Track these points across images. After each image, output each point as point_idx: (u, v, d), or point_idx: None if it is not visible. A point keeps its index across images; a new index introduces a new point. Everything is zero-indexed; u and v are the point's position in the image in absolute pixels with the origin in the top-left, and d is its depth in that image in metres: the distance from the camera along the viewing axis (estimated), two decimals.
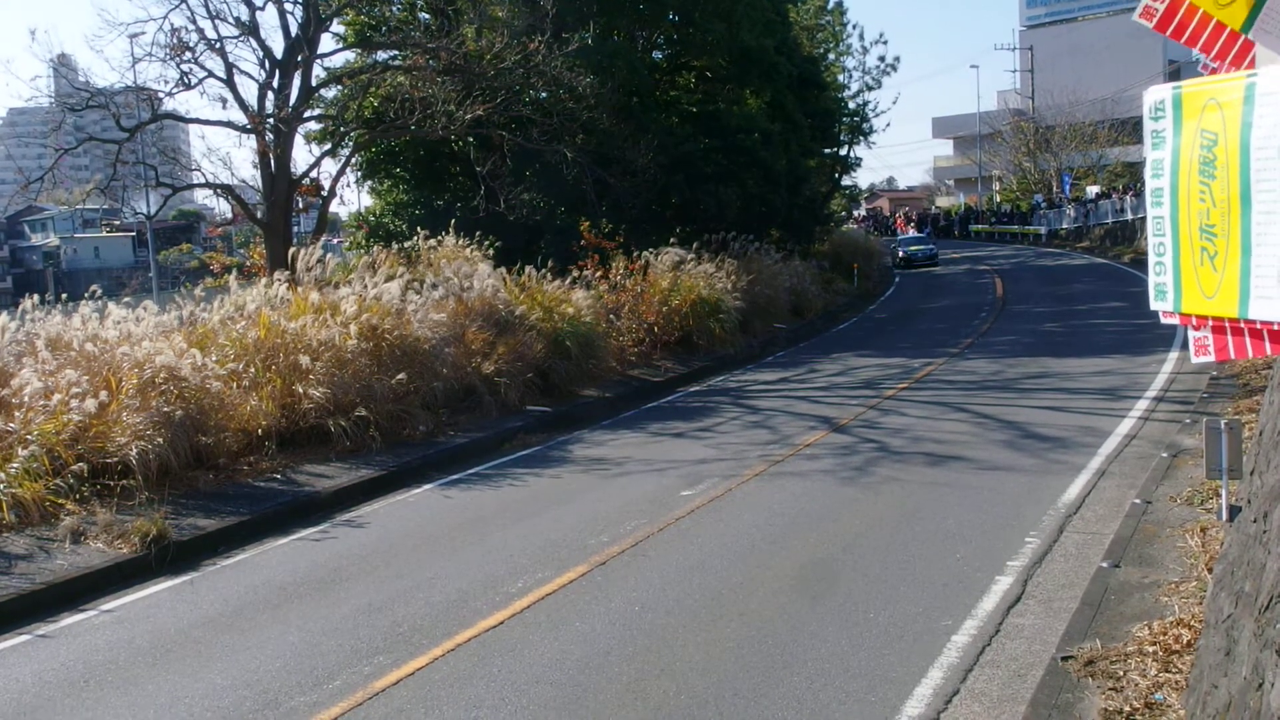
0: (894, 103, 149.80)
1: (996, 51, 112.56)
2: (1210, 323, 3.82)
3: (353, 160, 27.21)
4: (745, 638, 7.62)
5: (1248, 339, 3.77)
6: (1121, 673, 6.40)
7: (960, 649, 7.18)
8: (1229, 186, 3.34)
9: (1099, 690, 6.24)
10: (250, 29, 21.87)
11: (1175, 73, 59.74)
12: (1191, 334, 4.08)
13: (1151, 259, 3.92)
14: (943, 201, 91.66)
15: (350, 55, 28.14)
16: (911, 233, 71.51)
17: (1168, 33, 3.80)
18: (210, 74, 21.64)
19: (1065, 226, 55.51)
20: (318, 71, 23.68)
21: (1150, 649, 6.63)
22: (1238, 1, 3.50)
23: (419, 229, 23.41)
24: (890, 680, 6.78)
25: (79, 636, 8.65)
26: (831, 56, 48.01)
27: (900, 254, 48.77)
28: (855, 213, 78.42)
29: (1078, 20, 77.27)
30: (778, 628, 7.76)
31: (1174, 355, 19.09)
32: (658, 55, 33.11)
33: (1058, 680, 6.44)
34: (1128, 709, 5.93)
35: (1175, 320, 4.02)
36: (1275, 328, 3.50)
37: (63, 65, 28.75)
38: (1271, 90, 3.11)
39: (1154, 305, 3.99)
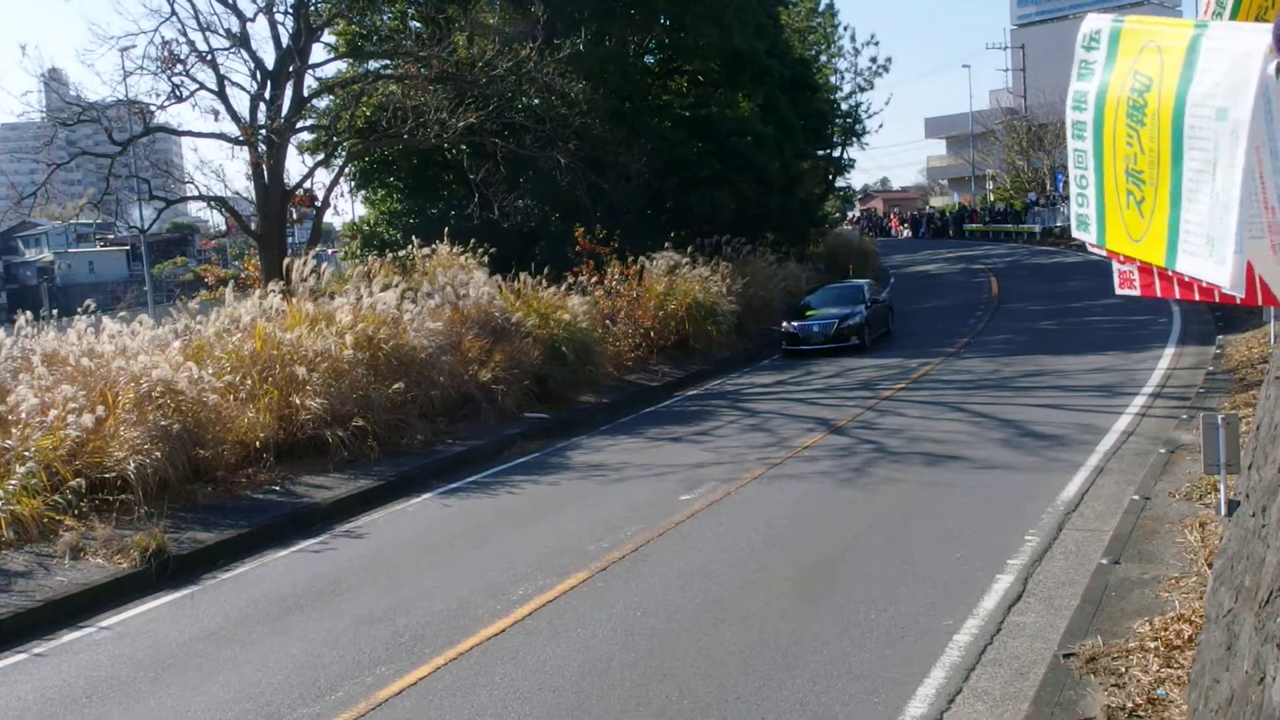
0: (886, 103, 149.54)
1: (988, 51, 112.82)
2: (1137, 262, 3.72)
3: (346, 170, 27.24)
4: (747, 641, 7.62)
5: (1176, 285, 3.69)
6: (1123, 669, 6.40)
7: (962, 648, 7.18)
8: (1159, 138, 3.23)
9: (1101, 687, 6.24)
10: (241, 40, 21.88)
11: None
12: (1117, 266, 3.95)
13: (1073, 189, 3.80)
14: (937, 201, 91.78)
15: (342, 65, 28.17)
16: (906, 234, 71.29)
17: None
18: (202, 86, 21.65)
19: (1059, 224, 55.51)
20: (309, 82, 23.72)
21: (1151, 645, 6.64)
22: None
23: (413, 237, 23.42)
24: (893, 681, 6.77)
25: (80, 652, 8.64)
26: (823, 58, 48.00)
27: (791, 327, 24.49)
28: (849, 214, 78.47)
29: (1069, 18, 77.39)
30: (779, 631, 7.76)
31: (1170, 351, 19.12)
32: (649, 60, 33.12)
33: (1060, 678, 6.44)
34: (1130, 705, 5.93)
35: (1101, 252, 3.94)
36: (1205, 284, 3.43)
37: (54, 80, 28.71)
38: (1219, 47, 2.98)
39: (1075, 234, 3.87)
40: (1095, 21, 3.57)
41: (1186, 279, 3.46)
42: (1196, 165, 3.09)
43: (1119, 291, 3.93)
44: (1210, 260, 3.10)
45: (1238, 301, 3.42)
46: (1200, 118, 3.03)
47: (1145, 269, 3.69)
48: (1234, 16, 3.44)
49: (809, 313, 24.86)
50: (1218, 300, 3.62)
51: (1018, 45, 74.76)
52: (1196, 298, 3.70)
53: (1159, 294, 3.81)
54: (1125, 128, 3.38)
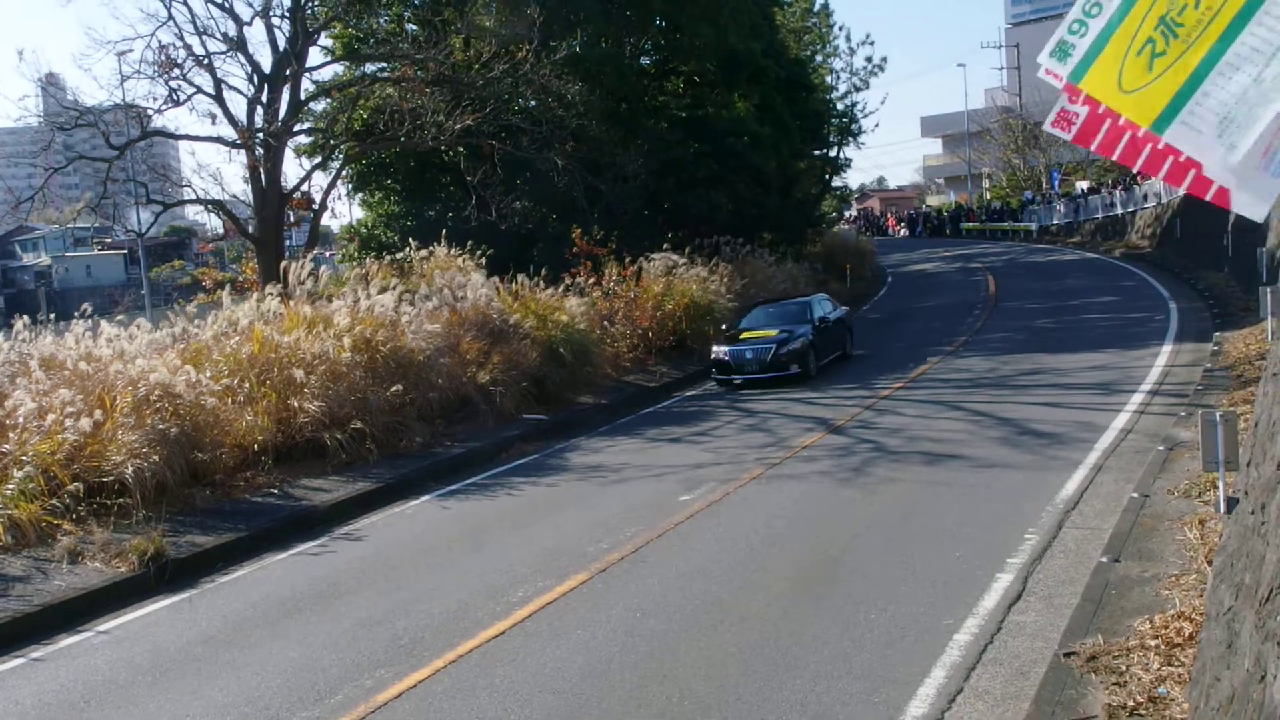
0: (882, 103, 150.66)
1: (983, 50, 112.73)
2: (1098, 109, 3.38)
3: (343, 173, 27.23)
4: (746, 642, 7.61)
5: (1122, 145, 3.38)
6: (1124, 668, 6.39)
7: (962, 647, 7.17)
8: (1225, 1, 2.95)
9: (1102, 686, 6.23)
10: (238, 44, 21.89)
11: None
12: (1063, 103, 3.57)
13: (1075, 12, 3.45)
14: (933, 200, 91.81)
15: (339, 68, 28.20)
16: (903, 233, 71.33)
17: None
18: (199, 90, 21.67)
19: (1056, 222, 55.59)
20: (306, 85, 23.74)
21: (1152, 643, 6.63)
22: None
23: (411, 240, 23.40)
24: (893, 680, 6.77)
25: (79, 657, 8.62)
26: (819, 58, 47.99)
27: (721, 352, 20.54)
28: (846, 213, 78.50)
29: (1063, 16, 77.37)
30: (779, 631, 7.75)
31: (1167, 348, 19.12)
32: (646, 61, 33.13)
33: (1061, 677, 6.44)
34: (1131, 704, 5.93)
35: (1058, 83, 3.47)
36: (1181, 158, 3.17)
37: (51, 85, 28.78)
38: None
39: (1043, 58, 3.49)
40: None
41: (1161, 147, 3.21)
42: (1254, 43, 2.86)
43: (1048, 128, 3.54)
44: (1215, 140, 2.86)
45: (1182, 189, 3.17)
46: None
47: (1097, 118, 3.39)
48: None
49: (745, 335, 20.65)
50: (1160, 178, 3.36)
51: (1012, 44, 74.75)
52: (1135, 169, 3.46)
53: (1093, 148, 3.49)
54: None
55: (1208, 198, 3.20)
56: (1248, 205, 3.10)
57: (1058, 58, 3.45)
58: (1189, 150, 3.01)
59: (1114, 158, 3.51)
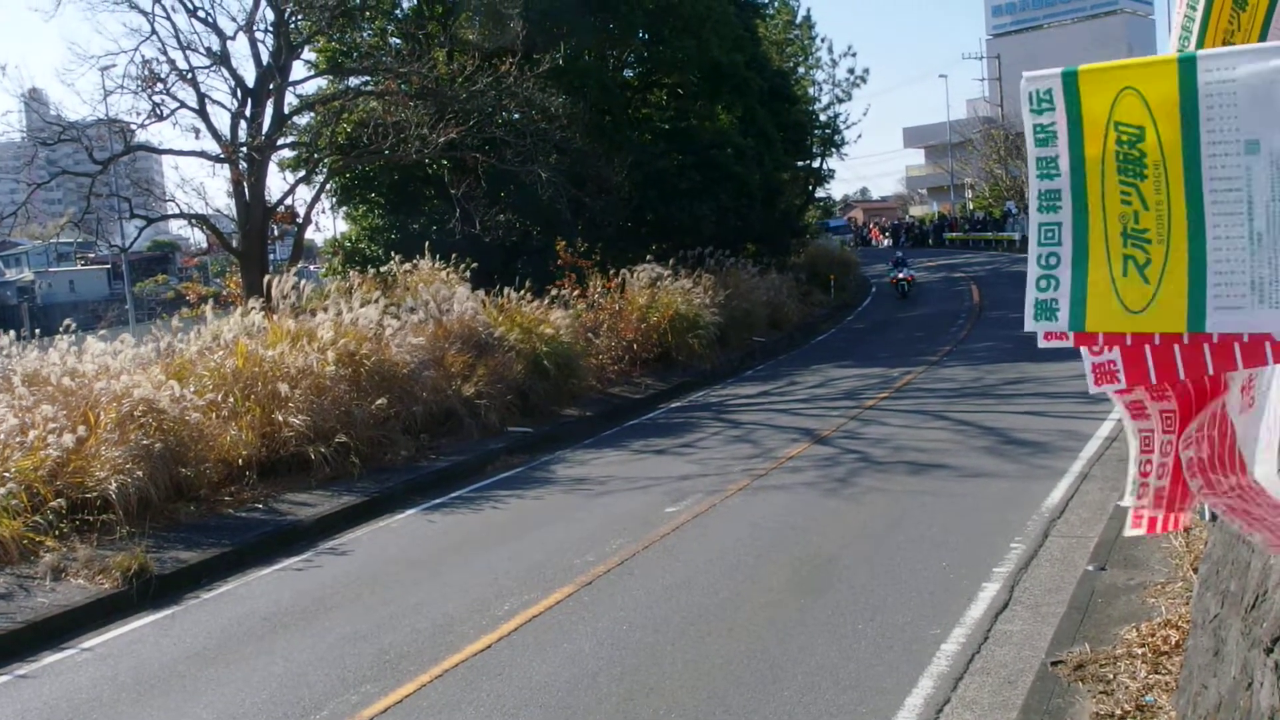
0: (864, 114, 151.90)
1: (964, 61, 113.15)
2: (1126, 341, 3.18)
3: (327, 186, 27.19)
4: (733, 653, 7.60)
5: (1179, 361, 3.17)
6: (1111, 676, 6.41)
7: (950, 657, 7.17)
8: (1167, 187, 2.86)
9: (1089, 694, 6.24)
10: (221, 59, 21.86)
11: None
12: (1089, 359, 3.39)
13: (1034, 272, 3.22)
14: (916, 210, 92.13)
15: (322, 82, 28.14)
16: (886, 242, 71.67)
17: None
18: (182, 104, 21.62)
19: None
20: (290, 99, 23.71)
21: (1139, 651, 6.65)
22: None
23: (395, 253, 23.36)
24: (881, 691, 6.77)
25: (62, 674, 8.55)
26: (801, 70, 48.25)
27: None
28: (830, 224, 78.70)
29: (1043, 28, 78.15)
30: (766, 642, 7.74)
31: None
32: (629, 73, 33.25)
33: (1048, 685, 6.45)
34: (1119, 712, 5.94)
35: (1065, 342, 3.45)
36: (1245, 339, 3.04)
37: (34, 100, 28.68)
38: (1226, 78, 2.65)
39: (1032, 325, 3.24)
40: (1036, 80, 3.04)
41: (1214, 340, 3.03)
42: (1225, 208, 2.77)
43: (1095, 389, 3.40)
44: (1261, 307, 2.80)
45: (1272, 364, 3.05)
46: (1221, 155, 2.74)
47: (1131, 351, 3.22)
48: (1201, 37, 3.21)
49: None
50: (1241, 368, 3.19)
51: (993, 55, 75.20)
52: (1210, 374, 3.26)
53: (1153, 380, 3.28)
54: (1119, 185, 2.98)
55: None
56: None
57: (1045, 319, 3.22)
58: (1241, 328, 2.82)
59: (1180, 378, 3.23)
